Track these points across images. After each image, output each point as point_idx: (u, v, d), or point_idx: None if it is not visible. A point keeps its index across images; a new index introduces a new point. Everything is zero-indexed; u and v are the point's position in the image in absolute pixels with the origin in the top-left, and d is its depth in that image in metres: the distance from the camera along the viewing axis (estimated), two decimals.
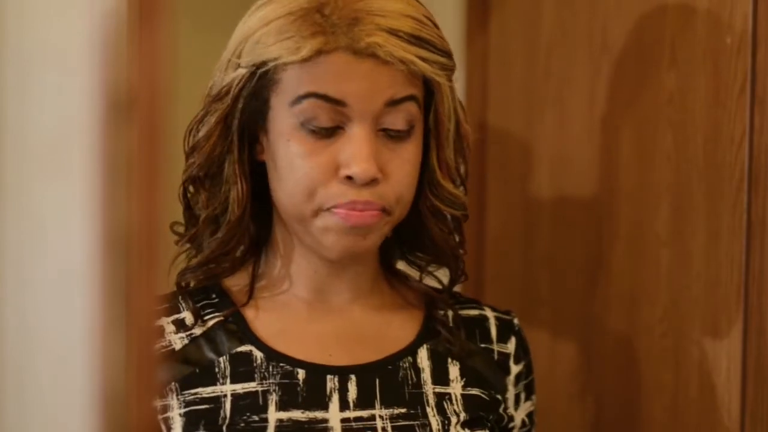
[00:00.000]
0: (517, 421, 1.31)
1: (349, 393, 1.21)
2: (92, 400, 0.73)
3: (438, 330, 1.28)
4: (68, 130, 0.75)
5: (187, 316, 1.25)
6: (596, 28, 1.59)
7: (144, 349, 0.74)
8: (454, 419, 1.22)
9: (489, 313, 1.33)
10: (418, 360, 1.25)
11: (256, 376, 1.20)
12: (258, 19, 1.20)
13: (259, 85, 1.19)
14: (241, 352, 1.22)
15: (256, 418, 1.18)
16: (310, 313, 1.26)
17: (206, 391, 1.20)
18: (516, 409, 1.31)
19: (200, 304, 1.26)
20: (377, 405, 1.21)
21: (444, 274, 1.32)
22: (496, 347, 1.30)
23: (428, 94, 1.22)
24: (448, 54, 1.21)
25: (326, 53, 1.16)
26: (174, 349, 1.23)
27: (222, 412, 1.19)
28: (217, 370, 1.21)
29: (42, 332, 0.79)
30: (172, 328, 1.24)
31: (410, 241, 1.29)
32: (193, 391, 1.20)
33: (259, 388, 1.20)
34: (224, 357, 1.22)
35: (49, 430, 0.78)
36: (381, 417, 1.20)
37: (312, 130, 1.17)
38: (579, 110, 1.62)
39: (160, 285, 0.76)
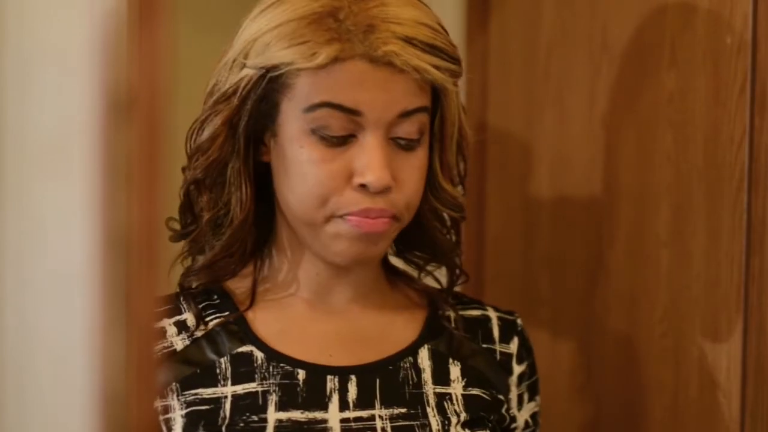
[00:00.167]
0: (520, 422, 1.30)
1: (349, 393, 1.21)
2: (92, 400, 0.73)
3: (440, 330, 1.28)
4: (68, 130, 0.75)
5: (189, 317, 1.25)
6: (596, 28, 1.59)
7: (144, 349, 0.74)
8: (454, 419, 1.22)
9: (492, 314, 1.33)
10: (419, 360, 1.25)
11: (256, 376, 1.20)
12: (267, 20, 1.18)
13: (269, 88, 1.18)
14: (241, 352, 1.22)
15: (255, 418, 1.18)
16: (311, 313, 1.26)
17: (207, 392, 1.20)
18: (519, 409, 1.30)
19: (202, 305, 1.26)
20: (377, 405, 1.21)
21: (444, 274, 1.33)
22: (498, 347, 1.30)
23: (434, 99, 1.22)
24: (458, 61, 1.21)
25: (342, 61, 1.15)
26: (175, 350, 1.23)
27: (222, 412, 1.19)
28: (218, 370, 1.21)
29: (42, 332, 0.79)
30: (173, 329, 1.24)
31: (408, 240, 1.29)
32: (193, 391, 1.20)
33: (259, 389, 1.20)
34: (225, 357, 1.22)
35: (49, 430, 0.78)
36: (381, 417, 1.20)
37: (323, 137, 1.17)
38: (579, 110, 1.62)
39: (160, 285, 0.76)
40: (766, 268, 1.35)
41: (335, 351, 1.23)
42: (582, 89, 1.61)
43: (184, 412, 1.19)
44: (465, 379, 1.25)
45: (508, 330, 1.32)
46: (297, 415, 1.19)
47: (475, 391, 1.25)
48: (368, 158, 1.16)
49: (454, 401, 1.23)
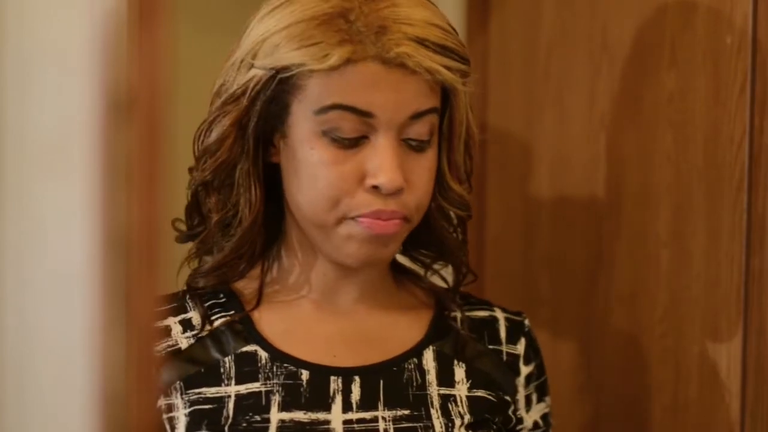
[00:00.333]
0: (528, 423, 1.30)
1: (352, 394, 1.20)
2: (92, 400, 0.73)
3: (446, 331, 1.28)
4: (68, 130, 0.75)
5: (194, 316, 1.25)
6: (596, 28, 1.59)
7: (144, 349, 0.74)
8: (458, 421, 1.22)
9: (499, 315, 1.32)
10: (424, 361, 1.24)
11: (260, 376, 1.20)
12: (276, 20, 1.18)
13: (278, 89, 1.18)
14: (246, 351, 1.22)
15: (258, 418, 1.18)
16: (316, 313, 1.26)
17: (210, 391, 1.20)
18: (528, 410, 1.30)
19: (208, 304, 1.26)
20: (380, 407, 1.20)
21: (451, 273, 1.32)
22: (505, 348, 1.30)
23: (443, 99, 1.22)
24: (468, 61, 1.21)
25: (354, 62, 1.14)
26: (180, 348, 1.23)
27: (225, 411, 1.19)
28: (222, 370, 1.21)
29: (42, 332, 0.78)
30: (178, 327, 1.24)
31: (415, 239, 1.29)
32: (197, 390, 1.20)
33: (263, 389, 1.20)
34: (229, 357, 1.21)
35: (49, 430, 0.78)
36: (384, 419, 1.20)
37: (335, 139, 1.17)
38: (579, 110, 1.62)
39: (160, 285, 0.76)
40: (766, 268, 1.35)
41: (340, 351, 1.23)
42: (582, 89, 1.61)
43: (187, 411, 1.19)
44: (470, 381, 1.25)
45: (516, 331, 1.31)
46: (300, 415, 1.19)
47: (480, 393, 1.25)
48: (380, 160, 1.16)
49: (459, 403, 1.23)
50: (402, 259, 1.34)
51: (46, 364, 0.78)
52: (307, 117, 1.17)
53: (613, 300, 1.57)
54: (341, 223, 1.18)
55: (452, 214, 1.28)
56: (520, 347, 1.30)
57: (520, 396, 1.29)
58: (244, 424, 1.18)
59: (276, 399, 1.19)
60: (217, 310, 1.25)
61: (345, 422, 1.19)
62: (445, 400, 1.22)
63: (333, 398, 1.20)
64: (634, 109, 1.53)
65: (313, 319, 1.25)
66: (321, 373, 1.21)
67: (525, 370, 1.30)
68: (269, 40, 1.17)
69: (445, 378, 1.24)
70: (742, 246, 1.37)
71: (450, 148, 1.24)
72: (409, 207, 1.19)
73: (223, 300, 1.26)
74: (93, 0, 0.73)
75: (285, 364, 1.21)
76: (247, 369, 1.21)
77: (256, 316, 1.25)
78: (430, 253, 1.31)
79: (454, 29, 1.21)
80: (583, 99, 1.61)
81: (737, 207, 1.37)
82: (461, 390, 1.24)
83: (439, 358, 1.25)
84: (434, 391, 1.23)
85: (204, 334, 1.23)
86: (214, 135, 1.21)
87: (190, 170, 1.25)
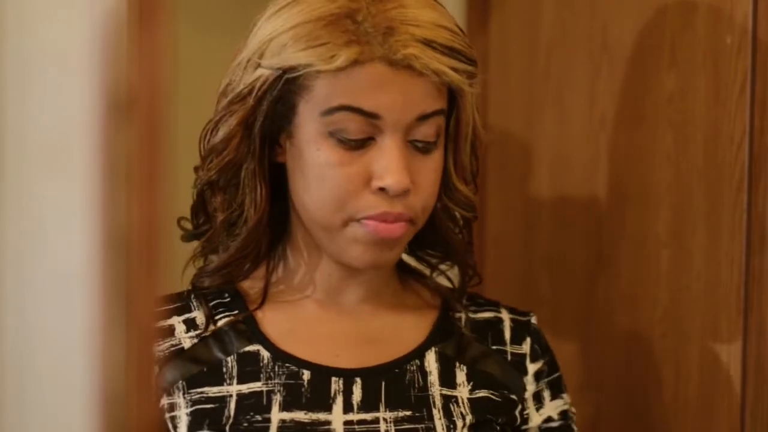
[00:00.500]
0: (538, 420, 1.27)
1: (353, 395, 1.20)
2: (92, 400, 0.73)
3: (449, 332, 1.27)
4: (68, 130, 0.75)
5: (199, 315, 1.25)
6: (596, 28, 1.59)
7: (144, 349, 0.74)
8: (459, 423, 1.21)
9: (505, 315, 1.32)
10: (426, 363, 1.24)
11: (262, 375, 1.20)
12: (283, 20, 1.17)
13: (285, 90, 1.18)
14: (248, 351, 1.22)
15: (259, 418, 1.18)
16: (321, 313, 1.26)
17: (212, 391, 1.20)
18: (539, 407, 1.28)
19: (213, 303, 1.25)
20: (382, 408, 1.20)
21: (456, 274, 1.32)
22: (509, 349, 1.29)
23: (450, 100, 1.22)
24: (475, 62, 1.21)
25: (361, 63, 1.14)
26: (183, 347, 1.23)
27: (226, 411, 1.19)
28: (224, 369, 1.21)
29: (42, 332, 0.78)
30: (182, 327, 1.24)
31: (421, 239, 1.29)
32: (199, 390, 1.20)
33: (264, 388, 1.20)
34: (232, 356, 1.21)
35: (49, 430, 0.78)
36: (385, 420, 1.20)
37: (341, 140, 1.16)
38: (579, 110, 1.62)
39: (160, 285, 0.76)
40: (766, 268, 1.35)
41: (342, 352, 1.23)
42: (582, 89, 1.61)
43: (189, 410, 1.19)
44: (471, 383, 1.24)
45: (521, 331, 1.31)
46: (300, 415, 1.19)
47: (482, 394, 1.24)
48: (387, 161, 1.16)
49: (461, 404, 1.23)
50: (408, 259, 1.33)
51: (46, 364, 0.78)
52: (314, 118, 1.17)
53: (613, 300, 1.56)
54: (347, 226, 1.18)
55: (458, 214, 1.28)
56: (526, 346, 1.30)
57: (529, 394, 1.28)
58: (245, 424, 1.18)
59: (277, 399, 1.19)
60: (221, 309, 1.25)
61: (346, 423, 1.19)
62: (447, 400, 1.22)
63: (334, 399, 1.20)
64: (634, 109, 1.53)
65: (317, 319, 1.25)
66: (322, 373, 1.21)
67: (532, 367, 1.29)
68: (276, 39, 1.17)
69: (447, 379, 1.24)
70: (742, 246, 1.37)
71: (456, 149, 1.24)
72: (415, 209, 1.19)
73: (228, 300, 1.26)
74: (93, 0, 0.73)
75: (287, 364, 1.21)
76: (248, 369, 1.21)
77: (260, 315, 1.25)
78: (436, 253, 1.31)
79: (461, 30, 1.21)
80: (583, 99, 1.61)
81: (737, 207, 1.37)
82: (463, 392, 1.23)
83: (441, 359, 1.25)
84: (436, 391, 1.22)
85: (207, 333, 1.23)
86: (221, 134, 1.21)
87: (196, 169, 1.25)
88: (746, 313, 1.36)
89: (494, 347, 1.29)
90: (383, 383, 1.21)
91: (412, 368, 1.23)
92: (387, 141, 1.16)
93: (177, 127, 0.76)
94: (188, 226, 1.28)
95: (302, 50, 1.15)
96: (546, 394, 1.29)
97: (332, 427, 1.18)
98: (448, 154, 1.24)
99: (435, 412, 1.21)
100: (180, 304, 1.26)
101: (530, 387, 1.28)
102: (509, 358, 1.29)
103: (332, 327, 1.25)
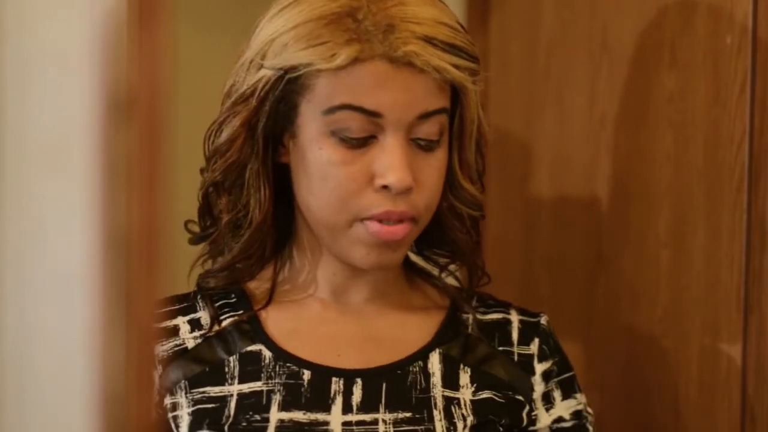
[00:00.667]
0: (547, 420, 1.26)
1: (353, 396, 1.20)
2: (92, 400, 0.73)
3: (455, 333, 1.27)
4: (68, 130, 0.75)
5: (203, 316, 1.25)
6: (596, 28, 1.59)
7: (144, 349, 0.74)
8: (460, 424, 1.21)
9: (514, 317, 1.31)
10: (429, 364, 1.24)
11: (262, 375, 1.20)
12: (285, 20, 1.17)
13: (287, 90, 1.18)
14: (250, 351, 1.22)
15: (257, 417, 1.18)
16: (325, 313, 1.25)
17: (214, 390, 1.20)
18: (549, 408, 1.27)
19: (219, 303, 1.25)
20: (381, 409, 1.20)
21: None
22: (516, 350, 1.28)
23: (453, 98, 1.21)
24: (477, 59, 1.20)
25: (362, 62, 1.14)
26: (186, 347, 1.23)
27: (226, 411, 1.19)
28: (226, 369, 1.21)
29: (42, 332, 0.78)
30: (187, 327, 1.24)
31: (428, 239, 1.29)
32: (201, 389, 1.20)
33: (264, 388, 1.20)
34: (234, 356, 1.22)
35: (49, 430, 0.78)
36: (384, 421, 1.19)
37: (343, 139, 1.16)
38: (579, 110, 1.62)
39: (161, 285, 0.76)
40: (766, 268, 1.35)
41: (345, 352, 1.23)
42: (582, 89, 1.61)
43: (190, 410, 1.19)
44: (475, 385, 1.24)
45: (529, 331, 1.30)
46: (299, 415, 1.18)
47: (485, 395, 1.24)
48: (389, 159, 1.16)
49: (462, 406, 1.22)
50: (416, 259, 1.33)
51: (46, 364, 0.78)
52: (316, 117, 1.17)
53: (613, 300, 1.56)
54: (352, 226, 1.18)
55: (465, 214, 1.27)
56: (533, 347, 1.29)
57: (537, 394, 1.27)
58: (244, 423, 1.18)
59: (276, 398, 1.19)
60: (226, 309, 1.25)
61: (344, 424, 1.18)
62: (449, 402, 1.22)
63: (333, 399, 1.20)
64: (634, 109, 1.53)
65: (321, 318, 1.25)
66: (322, 373, 1.21)
67: (540, 367, 1.28)
68: (278, 40, 1.17)
69: (451, 381, 1.23)
70: (742, 246, 1.37)
71: (461, 148, 1.24)
72: (418, 207, 1.19)
73: (234, 300, 1.26)
74: (93, 0, 0.73)
75: (288, 364, 1.21)
76: (250, 368, 1.21)
77: (264, 315, 1.25)
78: (443, 253, 1.31)
79: (463, 27, 1.21)
80: (583, 99, 1.61)
81: (737, 207, 1.37)
82: (466, 394, 1.23)
83: (445, 360, 1.24)
84: (438, 392, 1.22)
85: (212, 333, 1.23)
86: (224, 135, 1.21)
87: (202, 171, 1.25)
88: (746, 313, 1.36)
89: (501, 348, 1.28)
90: (384, 384, 1.21)
91: (414, 369, 1.23)
92: (389, 139, 1.16)
93: (177, 127, 0.76)
94: (196, 229, 1.28)
95: (303, 50, 1.15)
96: (556, 394, 1.28)
97: (330, 427, 1.18)
98: (453, 153, 1.24)
99: (436, 413, 1.21)
100: (185, 304, 1.26)
101: (538, 388, 1.27)
102: (516, 358, 1.28)
103: (336, 327, 1.25)
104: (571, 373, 1.31)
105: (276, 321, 1.24)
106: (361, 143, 1.17)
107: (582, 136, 1.61)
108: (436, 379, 1.23)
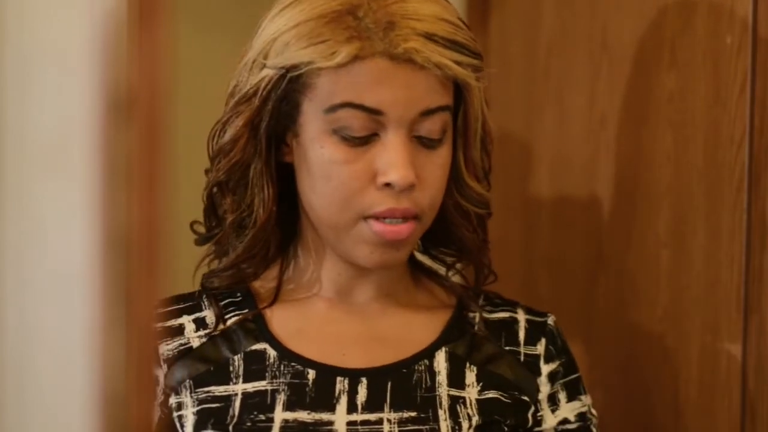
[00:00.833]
0: (552, 422, 1.26)
1: (358, 395, 1.20)
2: (92, 400, 0.73)
3: (461, 332, 1.26)
4: (68, 130, 0.75)
5: (209, 315, 1.25)
6: (596, 28, 1.59)
7: (144, 349, 0.74)
8: (465, 424, 1.20)
9: (521, 316, 1.30)
10: (435, 363, 1.23)
11: (267, 374, 1.20)
12: (286, 19, 1.18)
13: (289, 89, 1.18)
14: (255, 350, 1.22)
15: (262, 417, 1.18)
16: (330, 312, 1.25)
17: (219, 390, 1.20)
18: (554, 409, 1.27)
19: (224, 302, 1.25)
20: (386, 408, 1.19)
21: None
22: (522, 350, 1.28)
23: (457, 95, 1.21)
24: (480, 56, 1.20)
25: (362, 59, 1.14)
26: (191, 347, 1.23)
27: (231, 410, 1.18)
28: (231, 368, 1.21)
29: (42, 332, 0.78)
30: (192, 326, 1.24)
31: (434, 237, 1.28)
32: (206, 389, 1.20)
33: (269, 387, 1.20)
34: (239, 355, 1.21)
35: (49, 430, 0.78)
36: (389, 421, 1.19)
37: (345, 137, 1.16)
38: (579, 110, 1.62)
39: (161, 285, 0.76)
40: (766, 268, 1.34)
41: (350, 351, 1.22)
42: (582, 89, 1.61)
43: (195, 409, 1.19)
44: (480, 384, 1.23)
45: (536, 331, 1.29)
46: (304, 415, 1.18)
47: (491, 395, 1.23)
48: (391, 157, 1.16)
49: (468, 405, 1.21)
50: (423, 258, 1.33)
51: (46, 364, 0.78)
52: (318, 116, 1.17)
53: (613, 300, 1.56)
54: (356, 225, 1.18)
55: (471, 212, 1.27)
56: (540, 347, 1.28)
57: (543, 395, 1.27)
58: (249, 423, 1.18)
59: (281, 398, 1.19)
60: (232, 308, 1.25)
61: (349, 423, 1.18)
62: (455, 401, 1.21)
63: (338, 399, 1.19)
64: (634, 109, 1.53)
65: (326, 318, 1.25)
66: (327, 373, 1.20)
67: (546, 368, 1.27)
68: (279, 39, 1.17)
69: (456, 380, 1.23)
70: (742, 246, 1.37)
71: (466, 145, 1.24)
72: (422, 204, 1.18)
73: (239, 299, 1.26)
74: (93, 0, 0.73)
75: (292, 363, 1.21)
76: (254, 367, 1.21)
77: (269, 314, 1.25)
78: (450, 251, 1.31)
79: (465, 24, 1.20)
80: (583, 99, 1.61)
81: (737, 207, 1.37)
82: (471, 393, 1.22)
83: (451, 359, 1.24)
84: (444, 392, 1.21)
85: (216, 332, 1.23)
86: (228, 135, 1.21)
87: (206, 172, 1.26)
88: (746, 313, 1.36)
89: (507, 348, 1.27)
90: (389, 383, 1.21)
91: (420, 368, 1.23)
92: (390, 136, 1.16)
93: (177, 127, 0.76)
94: (201, 230, 1.28)
95: (304, 48, 1.15)
96: (562, 395, 1.28)
97: (335, 427, 1.18)
98: (457, 151, 1.23)
99: (441, 413, 1.20)
100: (190, 303, 1.26)
101: (544, 389, 1.27)
102: (522, 358, 1.27)
103: (341, 326, 1.24)
104: (576, 375, 1.30)
105: (281, 320, 1.24)
106: (363, 141, 1.16)
107: (582, 136, 1.61)
108: (442, 377, 1.22)
